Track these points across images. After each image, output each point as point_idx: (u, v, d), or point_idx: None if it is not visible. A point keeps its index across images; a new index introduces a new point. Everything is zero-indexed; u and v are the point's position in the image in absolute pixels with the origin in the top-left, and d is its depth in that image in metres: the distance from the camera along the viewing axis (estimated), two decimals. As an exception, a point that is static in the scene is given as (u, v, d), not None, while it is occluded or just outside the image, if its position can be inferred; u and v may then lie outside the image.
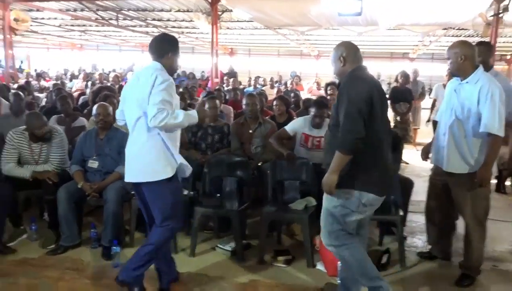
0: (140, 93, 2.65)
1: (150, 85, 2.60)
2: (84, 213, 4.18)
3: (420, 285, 3.31)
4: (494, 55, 4.21)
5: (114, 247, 3.44)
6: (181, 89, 7.59)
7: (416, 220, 4.44)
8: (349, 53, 2.65)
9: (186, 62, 21.88)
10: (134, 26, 14.01)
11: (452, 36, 12.77)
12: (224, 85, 10.31)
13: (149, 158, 2.73)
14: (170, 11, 11.26)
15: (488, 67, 3.96)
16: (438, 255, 3.61)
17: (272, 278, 3.33)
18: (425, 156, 3.53)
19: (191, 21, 12.06)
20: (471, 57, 3.04)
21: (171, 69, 2.84)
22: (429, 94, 9.61)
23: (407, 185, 4.05)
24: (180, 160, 2.78)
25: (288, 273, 3.44)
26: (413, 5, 7.95)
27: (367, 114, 2.43)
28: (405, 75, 7.50)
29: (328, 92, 6.50)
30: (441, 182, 3.35)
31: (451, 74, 3.28)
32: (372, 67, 19.27)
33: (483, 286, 3.29)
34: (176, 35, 12.26)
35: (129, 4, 10.69)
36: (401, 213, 3.64)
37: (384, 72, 17.41)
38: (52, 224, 3.87)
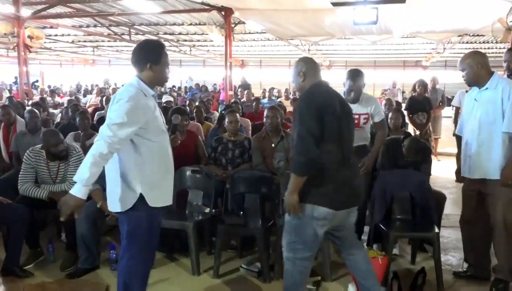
0: None
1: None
2: (103, 232, 4.04)
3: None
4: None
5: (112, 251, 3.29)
6: (197, 103, 7.49)
7: (448, 235, 4.24)
8: (308, 69, 2.63)
9: (197, 74, 21.97)
10: (146, 40, 14.04)
11: (467, 42, 12.59)
12: (239, 98, 10.20)
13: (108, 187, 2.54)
14: (182, 24, 11.24)
15: None
16: (476, 274, 3.38)
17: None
18: (460, 177, 3.54)
19: (202, 34, 12.04)
20: (485, 64, 3.10)
21: (155, 82, 2.55)
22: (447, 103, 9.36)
23: (440, 199, 3.84)
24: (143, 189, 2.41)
25: (318, 295, 3.26)
26: (430, 12, 7.79)
27: (319, 132, 2.38)
28: (423, 84, 7.20)
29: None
30: (475, 193, 3.26)
31: (468, 85, 3.26)
32: (386, 75, 19.29)
33: None
34: (187, 49, 12.34)
35: (141, 19, 10.69)
36: (437, 229, 3.43)
37: (398, 80, 17.17)
38: (70, 245, 3.73)
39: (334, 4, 7.09)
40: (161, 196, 2.52)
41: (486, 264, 3.37)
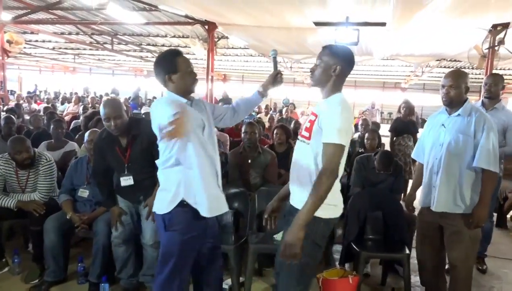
0: None
1: None
2: (71, 244, 3.94)
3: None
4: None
5: (103, 284, 3.20)
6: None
7: (419, 256, 4.27)
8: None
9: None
10: (129, 50, 13.98)
11: (445, 67, 12.91)
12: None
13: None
14: (165, 36, 11.24)
15: (497, 100, 3.91)
16: None
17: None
18: (411, 206, 3.30)
19: (185, 46, 12.05)
20: (468, 89, 2.86)
21: (183, 91, 2.41)
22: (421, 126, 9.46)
23: (411, 220, 3.88)
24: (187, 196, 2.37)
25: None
26: (409, 36, 7.99)
27: None
28: (408, 106, 6.83)
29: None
30: (433, 226, 3.02)
31: (447, 104, 2.91)
32: (365, 96, 19.58)
33: None
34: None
35: (124, 29, 10.66)
36: (407, 250, 3.46)
37: (377, 101, 17.44)
38: (36, 257, 3.61)
39: (317, 24, 7.23)
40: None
41: None
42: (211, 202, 2.43)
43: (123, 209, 3.26)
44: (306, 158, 2.17)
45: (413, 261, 4.13)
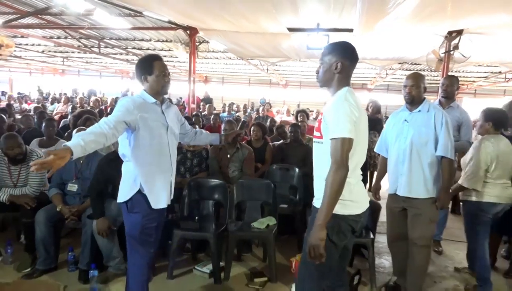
0: None
1: None
2: (62, 235, 3.88)
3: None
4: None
5: (92, 271, 3.17)
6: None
7: (382, 241, 4.35)
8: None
9: (163, 88, 21.69)
10: (115, 53, 13.75)
11: (406, 69, 13.13)
12: (200, 111, 10.15)
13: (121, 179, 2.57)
14: (150, 40, 11.10)
15: (452, 99, 4.03)
16: (403, 284, 3.32)
17: (249, 301, 3.15)
18: (378, 195, 3.50)
19: (169, 50, 11.94)
20: (425, 89, 3.04)
21: (156, 92, 2.49)
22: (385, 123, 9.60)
23: (376, 208, 3.96)
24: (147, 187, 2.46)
25: (264, 295, 3.27)
26: (374, 41, 8.10)
27: None
28: (375, 105, 7.04)
29: (299, 119, 6.42)
30: (399, 210, 3.17)
31: (410, 102, 3.05)
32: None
33: None
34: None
35: (111, 34, 10.48)
36: (371, 235, 3.54)
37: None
38: (28, 247, 3.57)
39: (290, 30, 7.25)
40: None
41: None
42: (160, 196, 2.52)
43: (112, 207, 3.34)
44: (322, 157, 2.04)
45: (377, 245, 4.25)
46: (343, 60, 2.05)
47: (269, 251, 3.49)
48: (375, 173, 6.48)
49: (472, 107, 14.52)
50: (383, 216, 4.21)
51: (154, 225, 2.54)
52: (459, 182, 3.33)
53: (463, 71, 13.01)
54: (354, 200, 2.06)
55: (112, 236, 3.30)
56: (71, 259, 3.49)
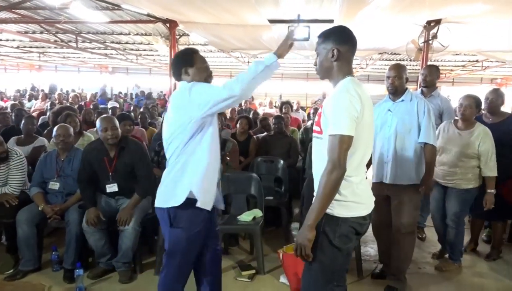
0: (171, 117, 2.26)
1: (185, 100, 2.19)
2: (44, 234, 3.81)
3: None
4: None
5: (77, 270, 3.12)
6: (141, 109, 7.31)
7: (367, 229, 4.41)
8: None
9: (144, 82, 21.45)
10: (93, 48, 13.47)
11: (386, 60, 13.25)
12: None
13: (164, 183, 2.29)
14: (129, 34, 10.91)
15: (433, 88, 4.09)
16: (389, 271, 3.35)
17: (238, 294, 3.15)
18: None
19: (149, 44, 11.76)
20: (407, 79, 3.11)
21: None
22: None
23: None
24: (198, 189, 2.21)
25: (252, 287, 3.27)
26: (354, 32, 8.13)
27: None
28: None
29: (283, 110, 6.43)
30: (382, 198, 3.15)
31: (393, 93, 3.11)
32: (317, 87, 19.84)
33: (410, 288, 3.29)
34: (134, 57, 11.94)
35: (88, 27, 10.24)
36: (357, 224, 3.56)
37: (327, 92, 17.73)
38: (10, 248, 3.49)
39: (271, 22, 7.21)
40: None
41: None
42: (211, 196, 2.32)
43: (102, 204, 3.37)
44: (322, 153, 1.84)
45: (363, 234, 4.29)
46: (338, 46, 1.87)
47: (256, 243, 3.49)
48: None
49: (451, 95, 14.81)
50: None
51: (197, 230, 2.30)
52: (489, 174, 3.40)
53: (441, 60, 13.19)
54: (358, 201, 1.88)
55: (102, 232, 3.26)
56: (55, 259, 3.43)
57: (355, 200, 1.86)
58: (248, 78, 2.15)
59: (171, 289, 2.35)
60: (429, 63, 7.45)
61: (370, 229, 4.24)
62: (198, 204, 2.21)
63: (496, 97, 3.76)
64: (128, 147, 3.40)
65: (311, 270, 1.94)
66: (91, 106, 8.10)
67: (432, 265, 3.75)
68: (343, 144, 1.73)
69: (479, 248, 4.10)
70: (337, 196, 1.81)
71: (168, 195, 2.23)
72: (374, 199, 2.00)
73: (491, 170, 3.38)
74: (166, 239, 2.33)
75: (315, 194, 1.89)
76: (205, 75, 2.35)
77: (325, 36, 1.91)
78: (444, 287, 3.37)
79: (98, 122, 3.35)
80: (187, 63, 2.31)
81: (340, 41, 1.88)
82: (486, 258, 3.90)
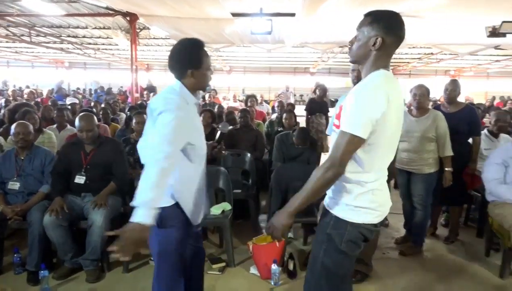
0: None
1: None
2: (4, 236, 3.66)
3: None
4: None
5: (42, 271, 3.02)
6: (102, 105, 7.12)
7: (333, 218, 4.53)
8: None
9: (103, 77, 20.86)
10: (48, 42, 12.95)
11: (347, 53, 13.51)
12: (145, 100, 9.88)
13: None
14: (86, 28, 10.57)
15: None
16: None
17: (209, 287, 3.15)
18: None
19: (107, 38, 11.44)
20: None
21: (197, 88, 2.09)
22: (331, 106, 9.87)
23: (326, 188, 4.10)
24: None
25: (223, 279, 3.29)
26: (316, 25, 8.26)
27: None
28: (322, 88, 7.18)
29: (249, 103, 6.45)
30: None
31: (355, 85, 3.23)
32: (279, 80, 20.00)
33: (376, 273, 3.41)
34: (91, 52, 11.61)
35: (43, 21, 9.83)
36: (324, 214, 3.66)
37: (290, 85, 17.93)
38: (-32, 252, 3.33)
39: (234, 15, 7.21)
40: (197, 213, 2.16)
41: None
42: (197, 209, 2.17)
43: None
44: None
45: (329, 223, 4.40)
46: (385, 35, 1.61)
47: (226, 236, 3.51)
48: (322, 155, 6.69)
49: (408, 87, 15.36)
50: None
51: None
52: (447, 154, 3.60)
53: (398, 53, 13.63)
54: (373, 208, 1.72)
55: (64, 228, 3.18)
56: (17, 261, 3.30)
57: (370, 206, 1.71)
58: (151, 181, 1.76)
59: (171, 288, 2.17)
60: None
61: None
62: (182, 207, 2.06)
63: (454, 88, 3.98)
64: (107, 144, 3.50)
65: (314, 273, 1.82)
66: (49, 103, 7.79)
67: (395, 250, 3.91)
68: (350, 145, 1.57)
69: (438, 232, 4.31)
70: (350, 201, 1.69)
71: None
72: (390, 205, 1.82)
73: (448, 150, 3.60)
74: (153, 241, 2.04)
75: (328, 195, 1.80)
76: (210, 77, 2.10)
77: (374, 18, 1.64)
78: (408, 269, 3.52)
79: (76, 121, 3.44)
80: (195, 64, 2.00)
81: (389, 30, 1.63)
82: (444, 241, 4.11)
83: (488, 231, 3.73)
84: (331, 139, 1.83)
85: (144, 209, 1.69)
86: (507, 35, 7.00)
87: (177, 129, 1.85)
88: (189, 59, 2.01)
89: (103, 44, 13.33)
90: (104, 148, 3.48)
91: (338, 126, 1.70)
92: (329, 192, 1.79)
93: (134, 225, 1.67)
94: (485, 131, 4.41)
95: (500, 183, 3.41)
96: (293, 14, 7.07)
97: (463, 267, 3.59)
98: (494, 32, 7.04)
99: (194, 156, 2.04)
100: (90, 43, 13.34)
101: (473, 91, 16.80)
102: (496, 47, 10.39)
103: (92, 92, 16.52)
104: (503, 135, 4.39)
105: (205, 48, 2.05)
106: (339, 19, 7.58)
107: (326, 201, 1.82)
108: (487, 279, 3.36)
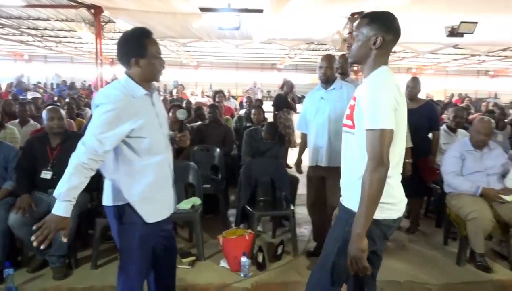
0: None
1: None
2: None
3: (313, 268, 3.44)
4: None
5: (7, 269, 2.95)
6: (67, 100, 6.94)
7: (300, 212, 4.62)
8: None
9: (65, 71, 20.21)
10: (6, 34, 12.42)
11: (314, 50, 13.74)
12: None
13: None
14: (47, 20, 10.21)
15: (347, 75, 4.37)
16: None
17: (180, 280, 3.17)
18: (300, 168, 3.73)
19: (70, 30, 11.12)
20: (336, 69, 3.42)
21: (147, 79, 2.00)
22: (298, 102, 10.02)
23: (294, 182, 4.21)
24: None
25: (193, 273, 3.33)
26: (283, 22, 8.36)
27: None
28: (290, 85, 7.34)
29: (217, 99, 6.47)
30: (318, 178, 3.46)
31: (325, 82, 3.35)
32: (247, 76, 20.06)
33: None
34: (53, 45, 11.18)
35: (0, 12, 9.43)
36: (292, 207, 3.76)
37: (257, 81, 18.02)
38: None
39: (202, 10, 7.19)
40: (155, 210, 2.07)
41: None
42: (165, 204, 2.15)
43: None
44: (353, 149, 1.76)
45: (296, 216, 4.51)
46: (384, 34, 1.68)
47: (196, 230, 3.54)
48: (289, 149, 6.83)
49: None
50: (300, 189, 4.50)
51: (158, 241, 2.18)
52: (407, 145, 3.68)
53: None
54: (393, 203, 1.74)
55: (31, 227, 3.11)
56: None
57: (390, 201, 1.71)
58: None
59: (132, 283, 2.15)
60: (341, 53, 7.89)
61: (303, 211, 4.52)
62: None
63: (415, 85, 4.17)
64: (73, 139, 3.26)
65: (324, 270, 1.84)
66: (10, 97, 7.52)
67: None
68: (384, 139, 1.58)
69: (401, 223, 4.50)
70: None
71: (115, 193, 2.01)
72: (406, 201, 1.84)
73: (408, 142, 3.70)
74: (116, 237, 2.08)
75: (344, 194, 1.83)
76: (159, 67, 2.01)
77: (372, 19, 1.71)
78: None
79: (44, 113, 3.39)
80: (138, 52, 1.93)
81: (387, 29, 1.70)
82: (406, 232, 4.30)
83: (446, 221, 3.94)
84: (342, 141, 1.89)
85: (58, 201, 1.79)
86: (465, 35, 7.36)
87: (110, 123, 1.82)
88: (133, 47, 1.94)
89: (66, 37, 12.92)
90: (71, 142, 3.39)
91: (350, 127, 1.77)
92: (347, 190, 1.83)
93: (51, 216, 1.79)
94: (444, 126, 4.64)
95: (457, 175, 3.61)
96: (261, 10, 7.14)
97: (423, 255, 3.78)
98: (453, 32, 7.39)
99: (142, 149, 1.95)
100: (51, 36, 12.89)
101: (433, 89, 17.53)
102: (455, 47, 10.87)
103: (54, 86, 16.00)
104: (460, 131, 4.64)
105: (153, 38, 1.98)
106: (306, 17, 7.72)
107: (344, 199, 1.84)
108: (446, 265, 3.56)
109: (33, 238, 1.79)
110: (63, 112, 3.47)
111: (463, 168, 3.62)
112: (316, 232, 3.72)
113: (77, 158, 1.79)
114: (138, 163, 1.96)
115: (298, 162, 3.71)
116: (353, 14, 7.45)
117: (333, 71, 3.35)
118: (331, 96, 3.32)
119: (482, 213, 3.33)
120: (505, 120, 6.40)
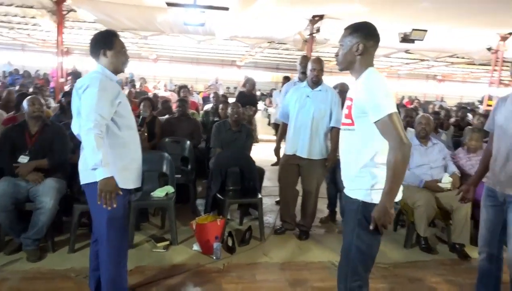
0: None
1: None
2: None
3: (278, 250, 3.79)
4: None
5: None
6: (31, 89, 6.86)
7: (265, 202, 4.97)
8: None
9: (15, 60, 19.40)
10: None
11: (274, 48, 14.08)
12: (68, 86, 9.55)
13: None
14: (0, 4, 9.85)
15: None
16: (288, 227, 4.17)
17: (156, 262, 3.41)
18: (279, 155, 4.20)
19: (24, 17, 10.78)
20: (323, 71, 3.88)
21: (113, 69, 2.43)
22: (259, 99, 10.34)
23: (260, 173, 4.53)
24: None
25: (168, 256, 3.57)
26: (247, 20, 8.64)
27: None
28: (252, 82, 7.64)
29: (181, 94, 6.66)
30: (292, 167, 3.99)
31: (317, 83, 3.87)
32: (207, 72, 20.16)
33: (315, 237, 4.14)
34: (5, 31, 10.70)
35: None
36: (259, 195, 4.08)
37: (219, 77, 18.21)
38: None
39: (169, 4, 7.31)
40: (132, 178, 2.49)
41: (294, 217, 4.21)
42: (138, 174, 2.54)
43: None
44: (354, 145, 1.99)
45: (263, 205, 4.85)
46: (365, 41, 1.96)
47: (170, 216, 3.77)
48: (254, 144, 7.12)
49: (331, 84, 16.38)
50: (265, 181, 4.85)
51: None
52: None
53: (321, 52, 14.52)
54: None
55: (12, 212, 3.26)
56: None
57: None
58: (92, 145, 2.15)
59: (120, 250, 2.50)
60: (312, 54, 8.33)
61: (267, 202, 4.86)
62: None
63: None
64: (51, 127, 3.64)
65: (350, 260, 2.03)
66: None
67: (321, 228, 4.48)
68: (395, 121, 1.81)
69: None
70: (375, 184, 1.91)
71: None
72: (402, 187, 1.98)
73: None
74: (101, 210, 2.26)
75: (347, 187, 2.05)
76: (123, 59, 2.48)
77: (353, 29, 1.98)
78: (330, 242, 4.07)
79: (25, 102, 3.56)
80: (107, 46, 2.41)
81: (367, 36, 1.96)
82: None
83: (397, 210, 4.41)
84: (341, 138, 2.12)
85: (100, 168, 2.13)
86: (416, 41, 8.01)
87: (102, 100, 2.23)
88: (102, 41, 2.42)
89: (19, 23, 12.46)
90: (50, 129, 3.57)
91: (349, 124, 1.99)
92: (352, 182, 2.03)
93: (100, 183, 2.15)
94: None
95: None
96: (226, 8, 7.37)
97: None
98: (405, 38, 8.01)
99: (123, 125, 2.39)
100: (3, 21, 12.40)
101: (386, 90, 18.31)
102: (406, 51, 11.63)
103: (6, 74, 15.36)
104: (409, 129, 5.16)
105: (119, 38, 2.48)
106: (270, 17, 8.04)
107: (350, 192, 2.04)
108: (395, 248, 4.02)
109: (104, 206, 2.18)
110: (43, 101, 3.66)
111: (410, 161, 4.10)
112: (283, 212, 4.19)
113: (91, 133, 2.14)
114: (122, 137, 2.39)
115: (277, 148, 4.19)
116: (314, 17, 7.87)
117: (322, 73, 3.83)
118: (316, 96, 3.83)
119: (427, 201, 3.83)
120: (449, 121, 7.09)
